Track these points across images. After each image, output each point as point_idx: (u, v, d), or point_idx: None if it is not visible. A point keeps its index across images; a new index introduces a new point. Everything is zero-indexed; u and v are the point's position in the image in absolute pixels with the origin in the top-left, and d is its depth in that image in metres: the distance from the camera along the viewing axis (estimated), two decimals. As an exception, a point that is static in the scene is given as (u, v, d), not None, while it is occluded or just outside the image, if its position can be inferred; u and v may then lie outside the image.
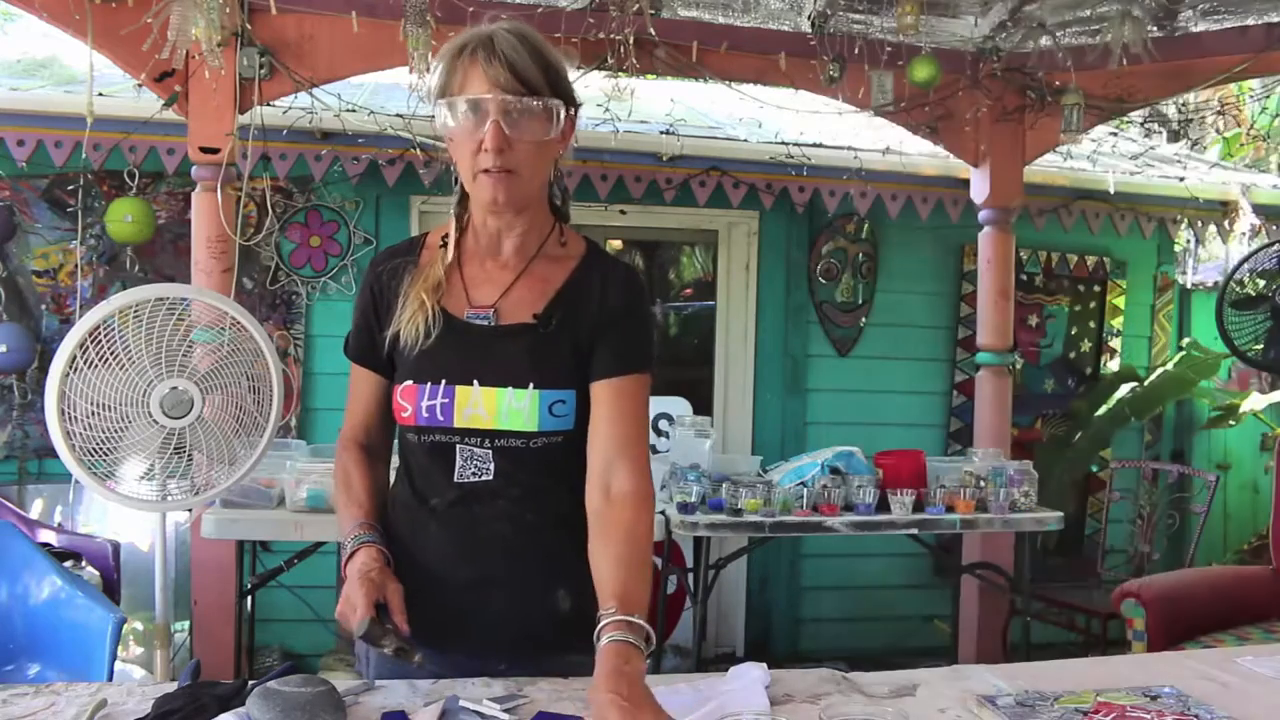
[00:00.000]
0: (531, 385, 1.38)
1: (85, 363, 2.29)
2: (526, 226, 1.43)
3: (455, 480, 1.41)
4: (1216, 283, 5.10)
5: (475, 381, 1.38)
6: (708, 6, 3.47)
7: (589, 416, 1.42)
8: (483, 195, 1.35)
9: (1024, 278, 4.81)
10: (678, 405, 3.80)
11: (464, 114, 1.31)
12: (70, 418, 2.28)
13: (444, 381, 1.39)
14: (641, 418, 1.43)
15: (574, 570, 1.47)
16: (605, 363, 1.41)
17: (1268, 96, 6.83)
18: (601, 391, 1.41)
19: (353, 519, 1.41)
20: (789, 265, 4.63)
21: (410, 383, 1.40)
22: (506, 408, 1.38)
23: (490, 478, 1.41)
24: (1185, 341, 5.11)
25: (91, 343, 2.29)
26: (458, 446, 1.40)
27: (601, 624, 1.22)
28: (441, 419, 1.39)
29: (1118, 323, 5.05)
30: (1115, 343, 5.06)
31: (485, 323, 1.41)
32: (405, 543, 1.44)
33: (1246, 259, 4.02)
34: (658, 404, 3.63)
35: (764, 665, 1.38)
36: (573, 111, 1.38)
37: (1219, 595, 3.54)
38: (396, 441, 1.52)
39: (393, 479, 1.55)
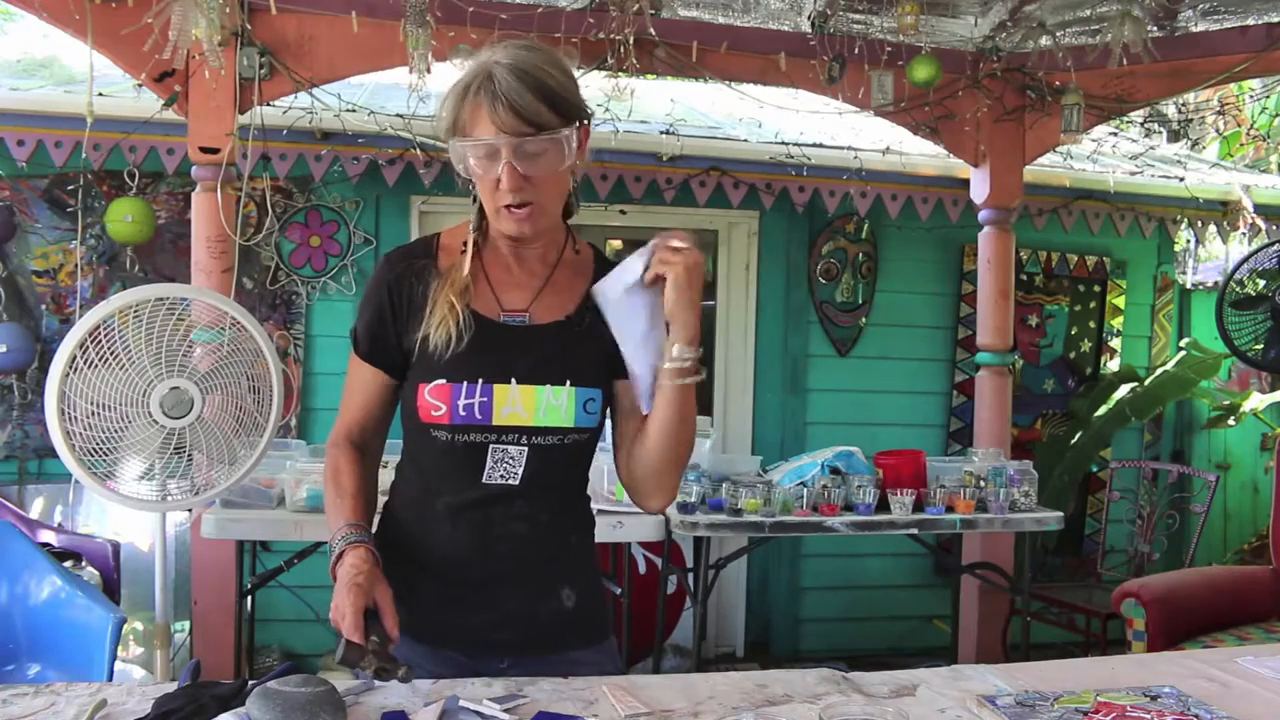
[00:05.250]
0: (568, 382, 1.40)
1: (85, 363, 2.29)
2: (547, 238, 1.46)
3: (483, 482, 1.40)
4: (1216, 283, 5.10)
5: (513, 379, 1.39)
6: (708, 6, 3.47)
7: (605, 417, 1.48)
8: (507, 229, 1.38)
9: (1024, 278, 4.81)
10: (678, 405, 3.80)
11: (477, 155, 1.32)
12: (70, 418, 2.28)
13: (480, 380, 1.38)
14: None
15: (581, 569, 1.49)
16: None
17: (1268, 96, 6.83)
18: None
19: (341, 518, 1.38)
20: (789, 265, 4.63)
21: (443, 381, 1.38)
22: (545, 404, 1.39)
23: (516, 482, 1.41)
24: (1185, 341, 5.11)
25: (91, 343, 2.29)
26: (491, 447, 1.39)
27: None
28: (480, 417, 1.38)
29: (1118, 323, 5.05)
30: (1115, 343, 5.05)
31: (520, 323, 1.43)
32: (412, 539, 1.43)
33: (1246, 259, 4.01)
34: (658, 404, 3.62)
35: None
36: (585, 123, 1.38)
37: (1219, 595, 3.53)
38: (403, 441, 1.49)
39: (391, 477, 1.54)
